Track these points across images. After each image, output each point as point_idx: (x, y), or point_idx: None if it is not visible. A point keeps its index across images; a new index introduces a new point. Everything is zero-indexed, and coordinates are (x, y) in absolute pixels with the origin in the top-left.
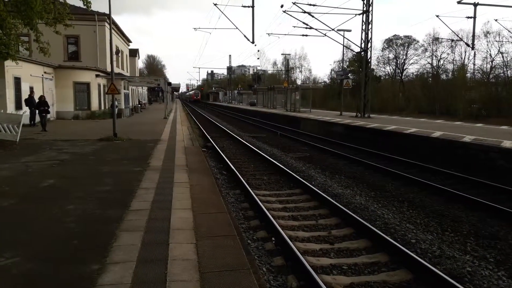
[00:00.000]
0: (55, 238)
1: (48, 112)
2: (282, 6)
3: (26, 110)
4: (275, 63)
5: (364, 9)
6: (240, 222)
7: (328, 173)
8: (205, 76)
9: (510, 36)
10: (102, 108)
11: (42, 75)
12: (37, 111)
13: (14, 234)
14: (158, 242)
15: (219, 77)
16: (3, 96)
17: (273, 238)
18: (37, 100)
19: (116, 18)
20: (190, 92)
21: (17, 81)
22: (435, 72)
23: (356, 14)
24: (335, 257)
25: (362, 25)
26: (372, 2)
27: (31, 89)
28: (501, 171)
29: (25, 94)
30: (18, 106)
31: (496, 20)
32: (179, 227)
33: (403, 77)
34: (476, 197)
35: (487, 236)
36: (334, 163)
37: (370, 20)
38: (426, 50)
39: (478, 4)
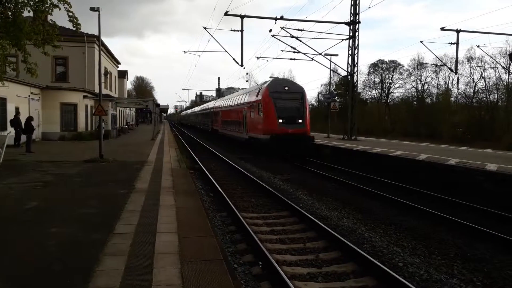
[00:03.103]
0: (35, 262)
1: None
2: (270, 30)
3: (10, 130)
4: None
5: (350, 34)
6: (227, 246)
7: (315, 195)
8: (193, 98)
9: (492, 62)
10: (89, 129)
11: (29, 95)
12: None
13: None
14: (142, 266)
15: (208, 99)
16: None
17: (260, 262)
18: (23, 121)
19: (108, 40)
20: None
21: (3, 102)
22: (420, 96)
23: (342, 39)
24: (323, 281)
25: (349, 50)
26: (358, 28)
27: (17, 109)
28: (485, 194)
29: (10, 115)
30: (3, 127)
31: (478, 46)
32: (163, 251)
33: (388, 100)
34: (462, 220)
35: (474, 259)
36: (321, 185)
37: (356, 45)
38: (411, 74)
39: (460, 30)
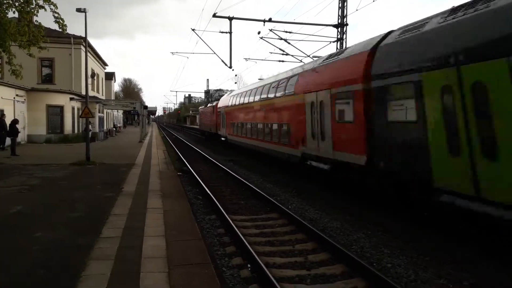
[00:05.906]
0: (19, 268)
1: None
2: (259, 32)
3: None
4: None
5: (338, 36)
6: (215, 249)
7: (304, 197)
8: (182, 100)
9: None
10: (76, 131)
11: (14, 97)
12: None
13: None
14: (129, 271)
15: (197, 101)
16: None
17: (249, 265)
18: (8, 123)
19: (97, 41)
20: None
21: None
22: None
23: (330, 42)
24: (312, 283)
25: None
26: (346, 31)
27: (2, 112)
28: None
29: None
30: None
31: None
32: (151, 255)
33: None
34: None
35: (462, 260)
36: (311, 188)
37: (344, 48)
38: None
39: None
